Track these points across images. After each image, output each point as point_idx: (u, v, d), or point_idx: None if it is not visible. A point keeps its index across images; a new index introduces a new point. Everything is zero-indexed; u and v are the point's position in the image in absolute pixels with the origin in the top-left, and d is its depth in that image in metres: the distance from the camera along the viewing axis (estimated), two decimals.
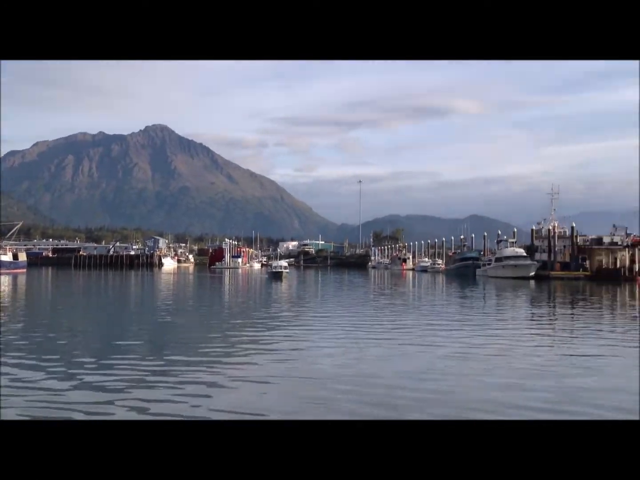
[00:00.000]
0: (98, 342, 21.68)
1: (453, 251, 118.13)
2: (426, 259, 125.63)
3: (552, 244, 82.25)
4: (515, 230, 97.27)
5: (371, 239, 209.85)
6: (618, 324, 30.16)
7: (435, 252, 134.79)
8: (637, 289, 63.04)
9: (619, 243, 79.02)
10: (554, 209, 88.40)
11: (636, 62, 6.26)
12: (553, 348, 20.85)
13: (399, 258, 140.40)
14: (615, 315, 35.87)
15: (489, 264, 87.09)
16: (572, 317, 33.88)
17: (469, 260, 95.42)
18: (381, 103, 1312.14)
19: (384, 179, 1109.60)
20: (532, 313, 37.23)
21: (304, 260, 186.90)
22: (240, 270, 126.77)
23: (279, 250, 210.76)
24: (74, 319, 30.45)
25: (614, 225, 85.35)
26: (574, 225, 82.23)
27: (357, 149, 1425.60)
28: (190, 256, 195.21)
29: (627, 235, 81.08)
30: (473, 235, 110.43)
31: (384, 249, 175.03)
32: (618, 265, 77.83)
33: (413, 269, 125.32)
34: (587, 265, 79.07)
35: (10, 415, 11.22)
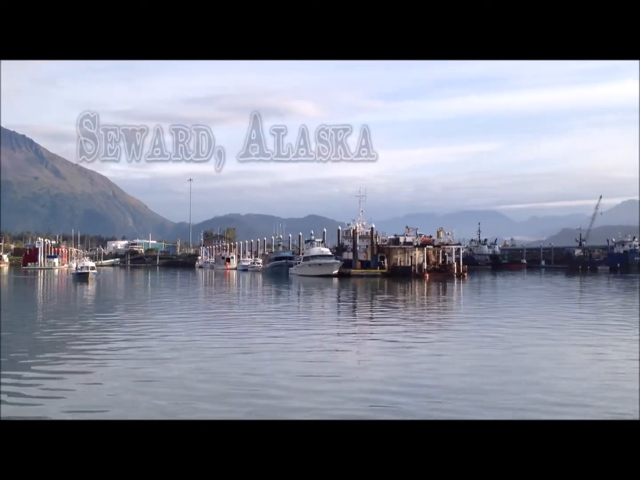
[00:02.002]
0: None
1: (269, 250, 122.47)
2: (247, 259, 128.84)
3: (355, 243, 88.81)
4: (325, 230, 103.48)
5: (201, 238, 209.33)
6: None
7: (259, 251, 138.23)
8: (425, 284, 70.37)
9: (412, 243, 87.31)
10: (362, 211, 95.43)
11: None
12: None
13: (223, 257, 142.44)
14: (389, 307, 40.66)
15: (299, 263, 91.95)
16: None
17: (282, 259, 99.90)
18: (220, 101, 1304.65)
19: (223, 178, 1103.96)
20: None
21: (131, 260, 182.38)
22: (56, 271, 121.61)
23: (103, 250, 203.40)
24: None
25: (407, 227, 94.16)
26: (374, 226, 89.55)
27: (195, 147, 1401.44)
28: (5, 256, 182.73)
29: (418, 235, 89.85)
30: (290, 235, 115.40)
31: (213, 249, 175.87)
32: (411, 263, 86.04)
33: (236, 268, 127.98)
34: (385, 264, 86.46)
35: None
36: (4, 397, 13.31)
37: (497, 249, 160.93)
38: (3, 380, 15.10)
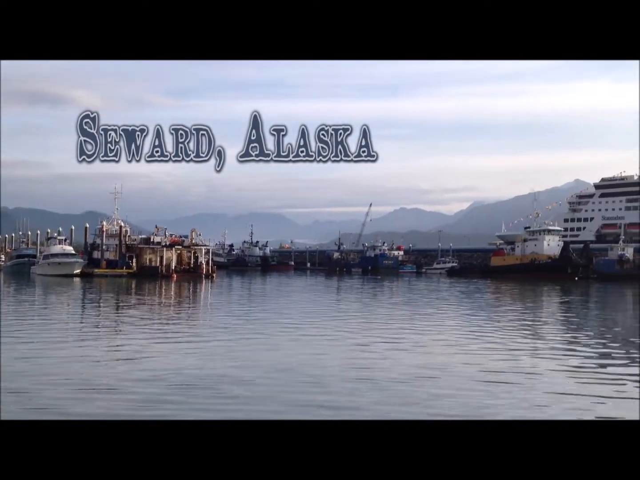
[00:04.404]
0: None
1: (11, 247, 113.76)
2: None
3: (102, 242, 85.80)
4: (73, 228, 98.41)
5: None
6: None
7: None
8: (172, 284, 69.82)
9: (162, 243, 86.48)
10: (117, 208, 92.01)
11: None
12: None
13: None
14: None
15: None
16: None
17: (25, 257, 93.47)
18: None
19: None
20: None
21: None
22: None
23: None
24: None
25: (156, 226, 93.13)
26: (123, 224, 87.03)
27: None
28: None
29: (168, 236, 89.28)
30: (38, 232, 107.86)
31: None
32: (160, 263, 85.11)
33: None
34: (134, 263, 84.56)
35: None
36: None
37: (267, 250, 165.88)
38: None
